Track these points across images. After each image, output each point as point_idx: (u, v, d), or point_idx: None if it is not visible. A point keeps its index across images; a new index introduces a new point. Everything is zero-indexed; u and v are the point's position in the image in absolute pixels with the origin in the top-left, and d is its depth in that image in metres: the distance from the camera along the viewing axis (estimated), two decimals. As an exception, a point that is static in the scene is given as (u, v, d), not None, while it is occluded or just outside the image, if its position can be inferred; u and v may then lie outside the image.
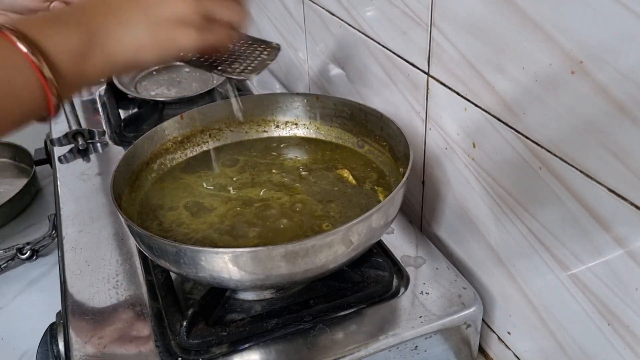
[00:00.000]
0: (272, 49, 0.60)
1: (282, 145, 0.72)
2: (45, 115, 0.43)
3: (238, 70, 0.57)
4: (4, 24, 0.41)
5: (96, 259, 0.65)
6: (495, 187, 0.55)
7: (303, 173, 0.66)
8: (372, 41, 0.71)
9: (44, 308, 0.76)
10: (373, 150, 0.68)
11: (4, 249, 0.93)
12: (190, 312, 0.53)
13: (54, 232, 0.96)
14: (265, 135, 0.74)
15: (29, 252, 0.93)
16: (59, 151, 0.90)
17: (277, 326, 0.54)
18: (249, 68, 0.57)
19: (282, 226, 0.58)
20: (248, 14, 0.53)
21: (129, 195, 0.62)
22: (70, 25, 0.44)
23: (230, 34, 0.52)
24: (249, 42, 0.61)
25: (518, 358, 0.59)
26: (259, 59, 0.59)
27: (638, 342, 0.43)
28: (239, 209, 0.61)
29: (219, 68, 0.57)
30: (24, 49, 0.40)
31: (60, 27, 0.43)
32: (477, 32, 0.51)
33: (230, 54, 0.59)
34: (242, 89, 1.07)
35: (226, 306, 0.57)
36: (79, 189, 0.80)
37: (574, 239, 0.46)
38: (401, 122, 0.63)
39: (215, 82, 1.03)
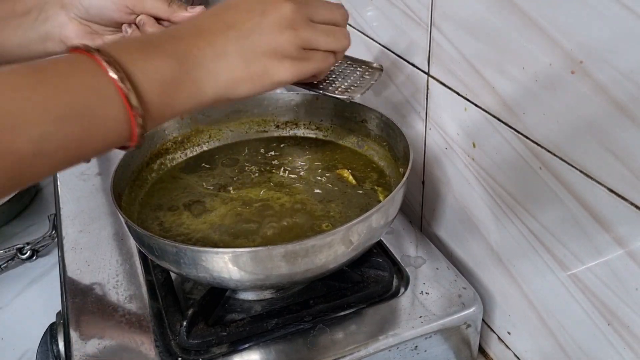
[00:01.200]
0: (374, 70, 0.59)
1: (282, 145, 0.72)
2: (127, 145, 0.40)
3: (340, 89, 0.56)
4: (95, 47, 0.38)
5: (96, 259, 0.65)
6: (495, 187, 0.55)
7: (303, 173, 0.66)
8: (372, 41, 0.71)
9: (44, 308, 0.76)
10: (373, 150, 0.68)
11: (4, 249, 0.93)
12: (190, 312, 0.53)
13: (54, 232, 0.96)
14: (265, 135, 0.74)
15: (29, 252, 0.93)
16: (59, 151, 0.90)
17: (277, 326, 0.54)
18: (352, 87, 0.57)
19: (282, 226, 0.58)
20: (349, 39, 0.50)
21: (129, 195, 0.62)
22: (162, 53, 0.41)
23: (329, 61, 0.49)
24: (349, 62, 0.60)
25: (518, 358, 0.59)
26: (362, 78, 0.58)
27: (638, 342, 0.43)
28: (239, 209, 0.61)
29: (320, 87, 0.56)
30: (114, 76, 0.37)
31: (152, 54, 0.40)
32: (477, 32, 0.51)
33: (331, 73, 0.58)
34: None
35: (226, 306, 0.57)
36: (79, 189, 0.80)
37: (574, 239, 0.46)
38: (401, 122, 0.63)
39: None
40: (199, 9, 0.55)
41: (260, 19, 0.44)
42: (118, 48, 0.39)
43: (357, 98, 0.56)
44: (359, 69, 0.60)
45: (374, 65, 0.60)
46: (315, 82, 0.56)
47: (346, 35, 0.49)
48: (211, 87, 0.42)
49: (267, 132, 0.74)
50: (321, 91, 0.56)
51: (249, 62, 0.43)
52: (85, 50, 0.38)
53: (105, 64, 0.37)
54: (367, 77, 0.59)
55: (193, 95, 0.42)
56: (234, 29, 0.43)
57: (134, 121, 0.38)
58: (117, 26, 0.57)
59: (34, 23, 0.56)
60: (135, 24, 0.56)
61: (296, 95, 0.72)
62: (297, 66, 0.45)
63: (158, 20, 0.56)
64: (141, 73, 0.39)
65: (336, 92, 0.56)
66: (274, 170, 0.67)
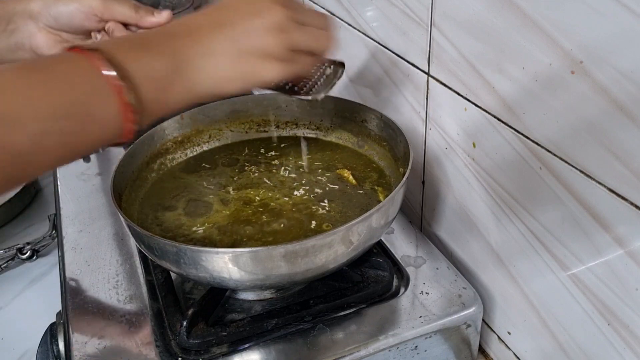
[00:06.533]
0: (337, 66, 0.58)
1: (282, 145, 0.72)
2: (122, 141, 0.42)
3: (305, 89, 0.55)
4: (89, 46, 0.39)
5: (96, 259, 0.65)
6: (495, 187, 0.55)
7: (303, 173, 0.66)
8: (372, 41, 0.71)
9: (44, 308, 0.76)
10: (373, 150, 0.68)
11: (4, 249, 0.93)
12: (190, 312, 0.53)
13: (54, 232, 0.96)
14: (265, 135, 0.74)
15: (29, 252, 0.93)
16: (59, 151, 0.90)
17: (277, 326, 0.54)
18: (316, 87, 0.56)
19: (282, 226, 0.58)
20: (334, 40, 0.51)
21: (129, 195, 0.62)
22: (155, 51, 0.42)
23: (313, 62, 0.51)
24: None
25: (518, 358, 0.59)
26: (324, 77, 0.57)
27: (638, 342, 0.43)
28: (239, 209, 0.61)
29: (286, 88, 0.55)
30: (111, 73, 0.38)
31: (145, 53, 0.42)
32: (477, 32, 0.51)
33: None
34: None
35: (226, 306, 0.57)
36: (79, 189, 0.80)
37: (574, 239, 0.46)
38: (401, 122, 0.63)
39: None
40: (165, 13, 0.56)
41: (253, 20, 0.45)
42: (113, 47, 0.40)
43: (321, 97, 0.56)
44: (322, 66, 0.59)
45: (337, 62, 0.59)
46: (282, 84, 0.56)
47: (330, 37, 0.51)
48: (201, 84, 0.44)
49: (267, 132, 0.74)
50: (286, 92, 0.55)
51: (239, 61, 0.45)
52: (83, 49, 0.39)
53: (101, 63, 0.38)
54: (330, 75, 0.58)
55: (185, 91, 0.44)
56: (225, 28, 0.45)
57: (129, 117, 0.39)
58: (87, 34, 0.58)
59: (3, 34, 0.56)
60: (105, 30, 0.56)
61: (296, 95, 0.72)
62: (284, 67, 0.47)
63: (126, 26, 0.56)
64: (136, 71, 0.40)
65: (301, 93, 0.55)
66: (274, 170, 0.67)
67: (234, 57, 0.45)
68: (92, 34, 0.57)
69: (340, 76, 0.58)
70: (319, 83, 0.57)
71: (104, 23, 0.56)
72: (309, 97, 0.55)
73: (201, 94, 0.45)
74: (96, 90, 0.38)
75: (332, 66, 0.58)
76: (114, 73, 0.38)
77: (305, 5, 0.49)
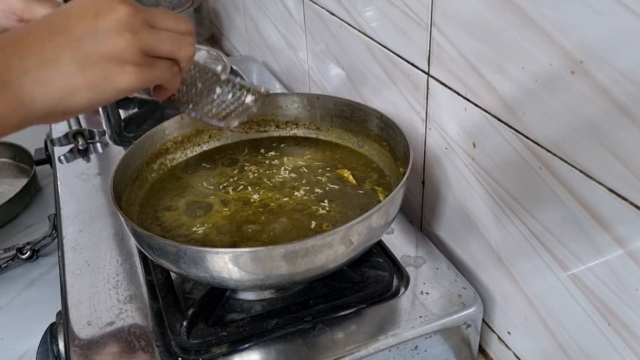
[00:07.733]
0: (260, 95, 0.56)
1: (282, 145, 0.72)
2: None
3: (220, 116, 0.54)
4: None
5: (96, 259, 0.65)
6: (495, 187, 0.55)
7: (303, 173, 0.66)
8: (372, 41, 0.71)
9: (44, 308, 0.76)
10: (373, 150, 0.68)
11: (4, 249, 0.93)
12: (190, 312, 0.53)
13: (54, 232, 0.96)
14: (265, 135, 0.74)
15: (29, 252, 0.93)
16: (59, 151, 0.90)
17: (277, 326, 0.54)
18: (232, 115, 0.55)
19: (282, 226, 0.58)
20: (193, 48, 0.46)
21: (129, 195, 0.62)
22: None
23: (174, 70, 0.46)
24: (237, 87, 0.57)
25: (518, 358, 0.59)
26: (244, 105, 0.56)
27: (638, 342, 0.43)
28: (239, 209, 0.61)
29: (200, 112, 0.54)
30: None
31: None
32: (477, 32, 0.51)
33: (214, 98, 0.55)
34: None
35: (226, 306, 0.57)
36: (79, 189, 0.80)
37: (574, 239, 0.46)
38: (401, 122, 0.63)
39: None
40: None
41: (93, 22, 0.40)
42: None
43: (235, 126, 0.54)
44: (244, 93, 0.57)
45: (261, 90, 0.57)
46: (196, 105, 0.54)
47: (190, 43, 0.46)
48: (40, 98, 0.38)
49: (267, 132, 0.74)
50: (199, 116, 0.54)
51: (85, 67, 0.39)
52: None
53: None
54: (250, 102, 0.56)
55: (14, 108, 0.37)
56: (61, 34, 0.39)
57: None
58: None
59: None
60: None
61: (296, 95, 0.72)
62: (141, 72, 0.42)
63: None
64: None
65: (214, 118, 0.54)
66: (274, 170, 0.67)
67: (80, 64, 0.39)
68: None
69: (260, 105, 0.56)
70: (236, 111, 0.55)
71: (23, 23, 0.51)
72: (221, 124, 0.54)
73: (41, 111, 0.39)
74: None
75: (254, 94, 0.56)
76: None
77: (159, 8, 0.45)
